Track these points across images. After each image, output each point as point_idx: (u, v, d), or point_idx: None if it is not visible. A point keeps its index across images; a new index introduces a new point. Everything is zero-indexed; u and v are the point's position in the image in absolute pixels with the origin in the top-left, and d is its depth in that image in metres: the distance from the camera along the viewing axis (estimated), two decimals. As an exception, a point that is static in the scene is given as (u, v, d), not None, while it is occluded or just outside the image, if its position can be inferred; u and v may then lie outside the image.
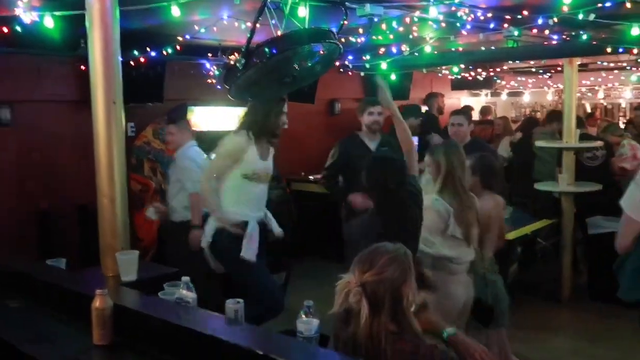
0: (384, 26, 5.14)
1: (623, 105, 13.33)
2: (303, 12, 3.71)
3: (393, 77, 7.53)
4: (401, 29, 5.12)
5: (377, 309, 2.10)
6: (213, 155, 4.43)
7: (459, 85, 10.68)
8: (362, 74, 8.21)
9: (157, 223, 5.61)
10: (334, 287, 2.19)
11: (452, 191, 3.63)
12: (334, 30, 3.60)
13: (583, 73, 8.83)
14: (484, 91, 11.82)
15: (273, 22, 3.61)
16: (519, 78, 11.27)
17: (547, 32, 5.35)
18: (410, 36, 5.67)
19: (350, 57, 7.21)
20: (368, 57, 7.04)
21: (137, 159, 6.27)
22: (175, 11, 3.91)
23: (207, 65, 6.36)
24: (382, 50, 6.65)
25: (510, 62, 8.47)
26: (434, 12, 4.19)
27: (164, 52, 5.44)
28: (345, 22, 3.79)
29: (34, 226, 5.79)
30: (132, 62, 5.34)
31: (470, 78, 10.02)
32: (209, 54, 6.13)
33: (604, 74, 10.18)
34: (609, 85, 11.65)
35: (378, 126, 5.13)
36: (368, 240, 3.17)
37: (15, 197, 5.73)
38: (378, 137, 5.16)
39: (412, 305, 2.19)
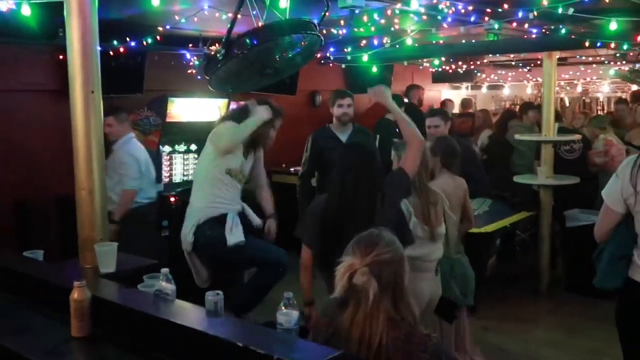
0: (365, 18, 5.15)
1: (601, 99, 13.51)
2: (284, 3, 3.71)
3: (374, 69, 7.56)
4: (383, 21, 5.14)
5: (382, 290, 2.08)
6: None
7: (439, 78, 10.72)
8: (343, 66, 8.22)
9: None
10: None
11: (415, 188, 3.59)
12: (316, 21, 3.60)
13: (562, 67, 8.90)
14: (465, 84, 11.89)
15: (254, 12, 3.60)
16: (499, 71, 11.36)
17: (526, 25, 5.40)
18: (392, 28, 5.68)
19: (331, 49, 7.22)
20: (349, 49, 7.05)
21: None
22: (155, 1, 3.88)
23: (188, 55, 6.31)
24: (364, 42, 6.65)
25: (491, 55, 8.53)
26: (415, 4, 4.19)
27: (144, 42, 5.37)
28: (327, 13, 3.79)
29: (11, 217, 5.71)
30: (111, 52, 5.27)
31: (451, 71, 10.08)
32: (190, 45, 6.07)
33: (582, 68, 10.29)
34: (588, 79, 11.79)
35: (348, 118, 5.14)
36: (313, 215, 3.17)
37: (-8, 188, 5.64)
38: (349, 128, 5.18)
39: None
